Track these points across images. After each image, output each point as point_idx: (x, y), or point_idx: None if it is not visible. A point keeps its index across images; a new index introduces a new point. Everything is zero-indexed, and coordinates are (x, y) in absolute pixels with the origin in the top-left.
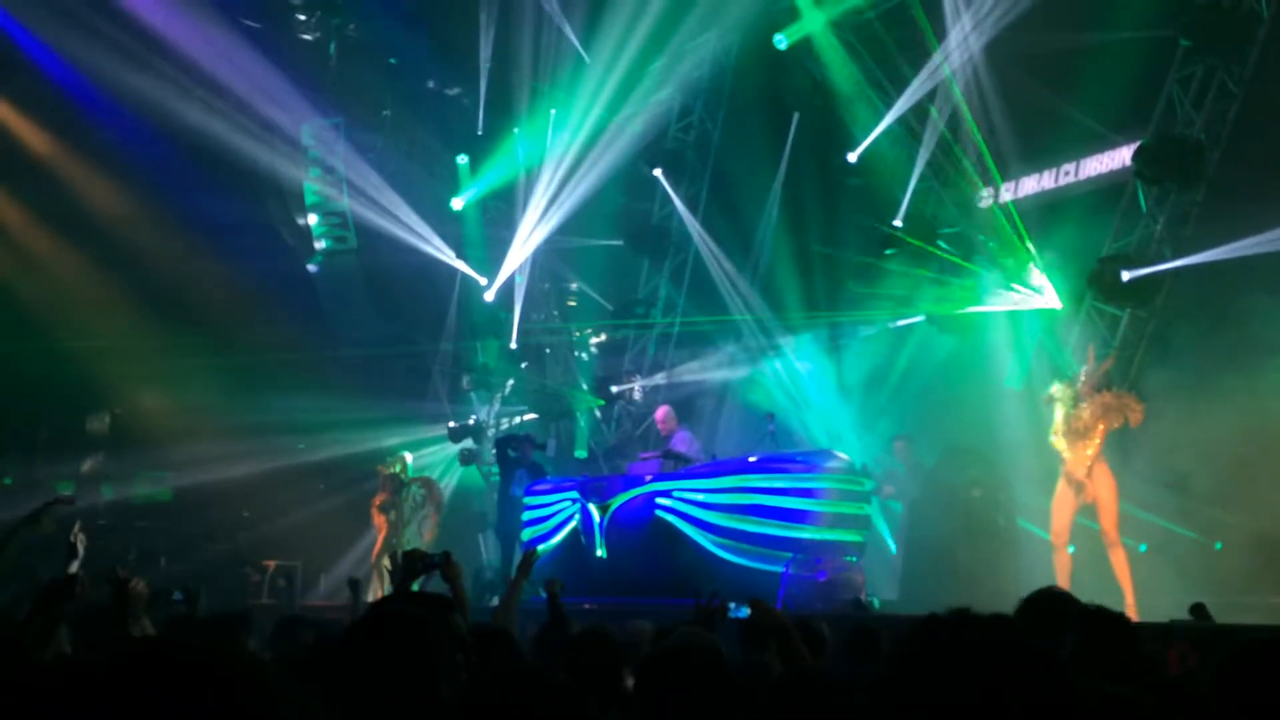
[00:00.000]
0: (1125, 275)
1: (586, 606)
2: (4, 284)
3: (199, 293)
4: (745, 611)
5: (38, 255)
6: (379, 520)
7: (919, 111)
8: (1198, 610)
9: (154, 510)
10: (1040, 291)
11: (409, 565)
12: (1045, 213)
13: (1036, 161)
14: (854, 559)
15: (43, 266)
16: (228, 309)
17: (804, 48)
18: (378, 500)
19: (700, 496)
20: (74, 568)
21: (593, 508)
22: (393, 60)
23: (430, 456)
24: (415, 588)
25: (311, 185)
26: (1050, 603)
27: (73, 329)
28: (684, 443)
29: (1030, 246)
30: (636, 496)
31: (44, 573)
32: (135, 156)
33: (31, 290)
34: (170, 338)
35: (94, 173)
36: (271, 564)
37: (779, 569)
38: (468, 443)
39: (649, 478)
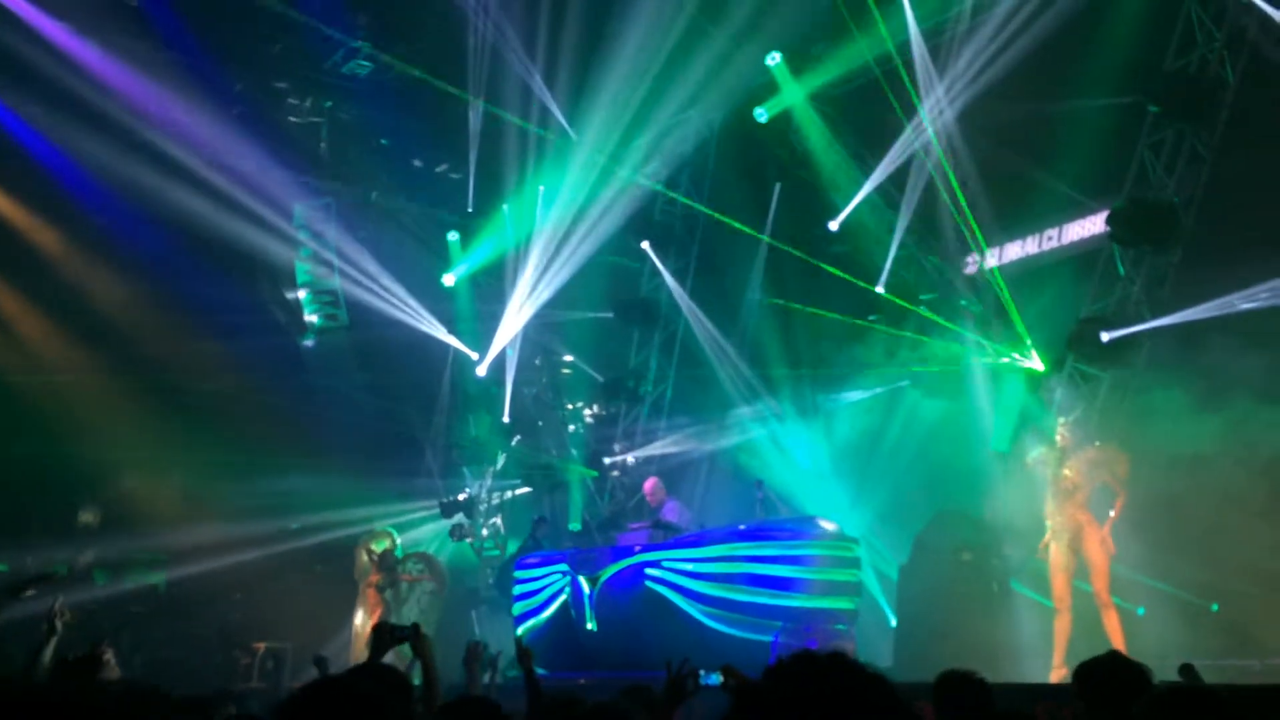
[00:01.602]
0: (1105, 336)
1: (582, 681)
2: None
3: (191, 374)
4: (715, 679)
5: (31, 342)
6: (374, 599)
7: (898, 180)
8: (1186, 671)
9: (147, 595)
10: (1024, 354)
11: (378, 639)
12: (1030, 278)
13: (1019, 228)
14: (844, 626)
15: (36, 354)
16: (221, 389)
17: (784, 120)
18: (374, 579)
19: (689, 566)
20: (48, 653)
21: (583, 580)
22: (383, 140)
23: (419, 533)
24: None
25: (303, 265)
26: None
27: (65, 416)
28: (673, 513)
29: (1014, 310)
30: (626, 567)
31: (15, 650)
32: (128, 242)
33: (23, 378)
34: (162, 420)
35: (88, 259)
36: (261, 646)
37: (769, 638)
38: (460, 517)
39: (638, 548)
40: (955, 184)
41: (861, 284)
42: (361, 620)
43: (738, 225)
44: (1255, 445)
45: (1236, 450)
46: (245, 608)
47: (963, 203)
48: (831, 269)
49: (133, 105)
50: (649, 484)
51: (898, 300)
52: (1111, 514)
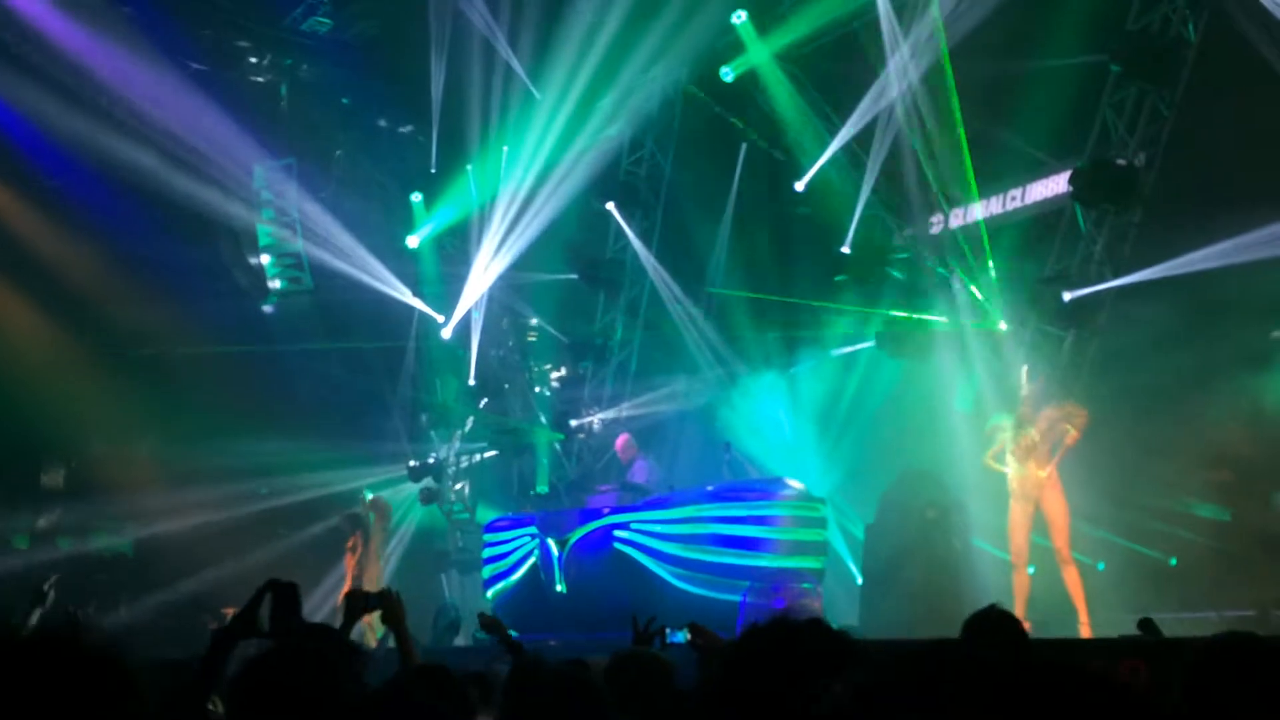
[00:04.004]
0: (1066, 296)
1: (552, 643)
2: None
3: (153, 338)
4: (682, 636)
5: None
6: (349, 562)
7: (864, 140)
8: (1145, 625)
9: (113, 562)
10: (988, 314)
11: (350, 606)
12: (993, 237)
13: (984, 188)
14: (810, 585)
15: None
16: (182, 354)
17: (750, 80)
18: (349, 544)
19: (658, 528)
20: (35, 617)
21: (551, 542)
22: (345, 100)
23: (392, 497)
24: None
25: (265, 227)
26: (993, 623)
27: (24, 380)
28: (643, 472)
29: (978, 270)
30: (595, 530)
31: None
32: (84, 203)
33: None
34: (124, 385)
35: (42, 220)
36: (230, 611)
37: (737, 598)
38: (428, 481)
39: (606, 510)
40: (919, 144)
41: (827, 244)
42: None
43: (704, 185)
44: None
45: (1194, 406)
46: (213, 573)
47: (920, 163)
48: (798, 229)
49: (85, 62)
50: (620, 441)
51: (864, 260)
52: (1060, 451)
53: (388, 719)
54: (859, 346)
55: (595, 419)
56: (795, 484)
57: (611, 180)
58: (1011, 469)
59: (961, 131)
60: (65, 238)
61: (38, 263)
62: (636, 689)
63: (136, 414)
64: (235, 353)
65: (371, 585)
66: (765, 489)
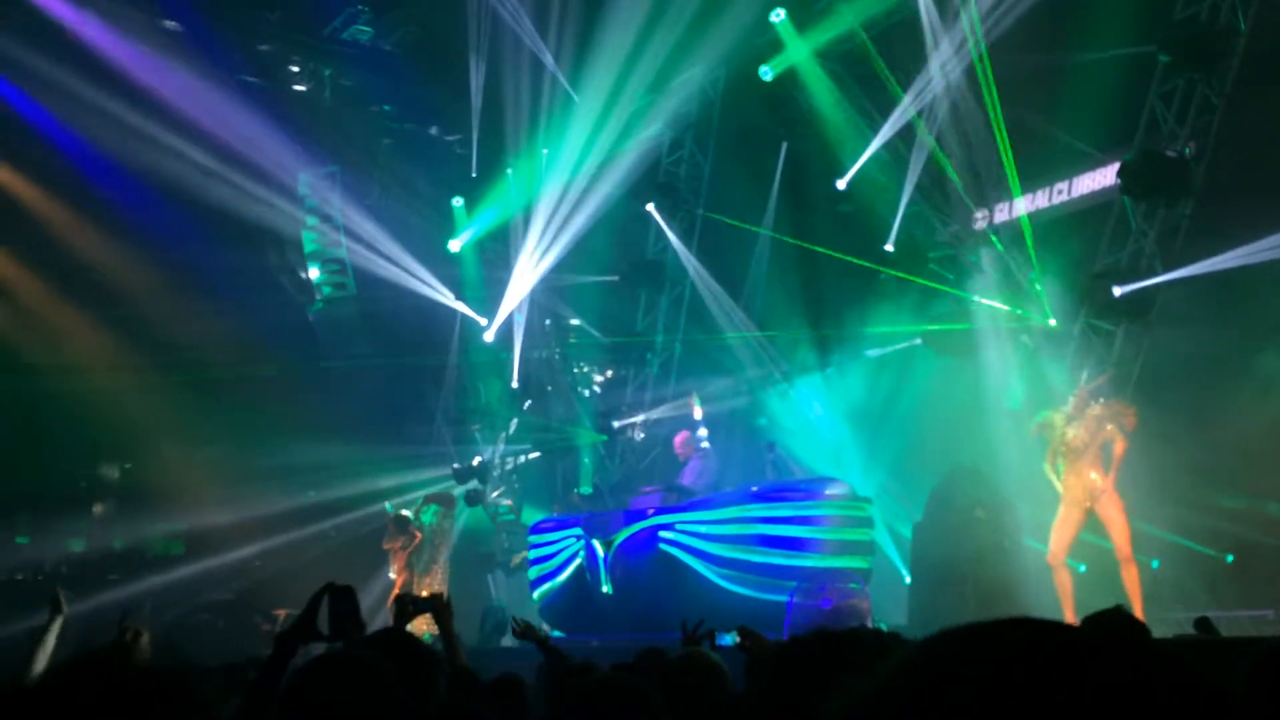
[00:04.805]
0: (1117, 291)
1: (595, 644)
2: (10, 344)
3: (203, 345)
4: (730, 639)
5: (42, 315)
6: (398, 563)
7: (906, 137)
8: (1203, 624)
9: (167, 562)
10: (1036, 310)
11: (400, 609)
12: (1040, 232)
13: (1029, 182)
14: (858, 585)
15: (47, 326)
16: (231, 360)
17: (790, 78)
18: (397, 544)
19: (703, 528)
20: (51, 638)
21: (597, 544)
22: (386, 107)
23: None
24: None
25: (309, 234)
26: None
27: (79, 387)
28: (692, 473)
29: (1025, 266)
30: (640, 531)
31: None
32: (134, 213)
33: (37, 350)
34: (176, 391)
35: (94, 231)
36: (282, 613)
37: (784, 598)
38: (473, 483)
39: (651, 511)
40: (962, 139)
41: (870, 242)
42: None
43: (744, 185)
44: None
45: (1251, 401)
46: (264, 576)
47: (966, 157)
48: (839, 228)
49: (134, 76)
50: (679, 437)
51: (907, 258)
52: (1114, 463)
53: None
54: (903, 345)
55: (638, 419)
56: (841, 484)
57: (651, 181)
58: (1057, 465)
59: (1002, 127)
60: (117, 248)
61: (92, 273)
62: (695, 693)
63: (187, 418)
64: (282, 357)
65: (438, 581)
66: (810, 489)
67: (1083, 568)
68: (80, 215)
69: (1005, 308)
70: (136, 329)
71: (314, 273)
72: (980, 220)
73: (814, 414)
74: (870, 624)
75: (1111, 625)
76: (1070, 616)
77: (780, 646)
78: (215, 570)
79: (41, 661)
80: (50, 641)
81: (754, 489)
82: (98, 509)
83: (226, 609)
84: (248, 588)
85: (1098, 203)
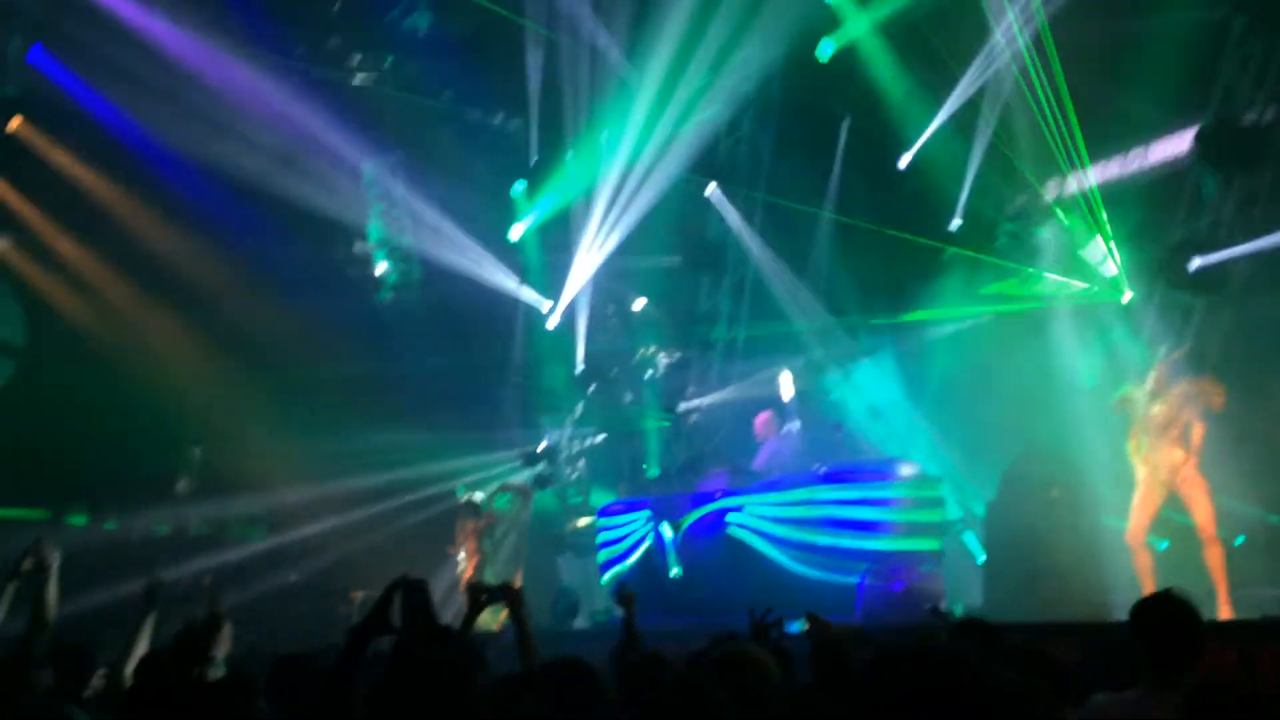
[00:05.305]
0: (1195, 262)
1: (663, 628)
2: (87, 335)
3: (272, 334)
4: (798, 626)
5: (126, 311)
6: (472, 547)
7: (971, 110)
8: None
9: (247, 547)
10: (1110, 283)
11: (473, 598)
12: (1112, 203)
13: (1102, 150)
14: (930, 567)
15: (131, 322)
16: (302, 349)
17: (849, 54)
18: (470, 527)
19: (771, 511)
20: (146, 628)
21: (665, 527)
22: (446, 95)
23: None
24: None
25: (374, 223)
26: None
27: (161, 380)
28: (763, 456)
29: (1099, 237)
30: (707, 514)
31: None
32: (205, 209)
33: (114, 341)
34: (251, 380)
35: (165, 225)
36: (358, 595)
37: (854, 580)
38: (541, 467)
39: (719, 494)
40: (1034, 108)
41: (936, 219)
42: (463, 564)
43: (805, 163)
44: None
45: None
46: (339, 559)
47: (1037, 126)
48: (904, 204)
49: (196, 71)
50: (761, 417)
51: (974, 234)
52: (1194, 442)
53: None
54: (972, 322)
55: (703, 401)
56: (911, 465)
57: (711, 162)
58: (1140, 444)
59: (1069, 97)
60: (192, 244)
61: (165, 267)
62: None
63: (263, 407)
64: (351, 345)
65: (512, 571)
66: (880, 470)
67: (1164, 544)
68: (157, 213)
69: (1077, 282)
70: (212, 322)
71: (380, 262)
72: (1050, 192)
73: (881, 392)
74: (944, 606)
75: (1161, 609)
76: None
77: (871, 665)
78: (293, 552)
79: (142, 646)
80: (147, 628)
81: (822, 471)
82: (180, 495)
83: (306, 591)
84: (325, 570)
85: (1172, 171)
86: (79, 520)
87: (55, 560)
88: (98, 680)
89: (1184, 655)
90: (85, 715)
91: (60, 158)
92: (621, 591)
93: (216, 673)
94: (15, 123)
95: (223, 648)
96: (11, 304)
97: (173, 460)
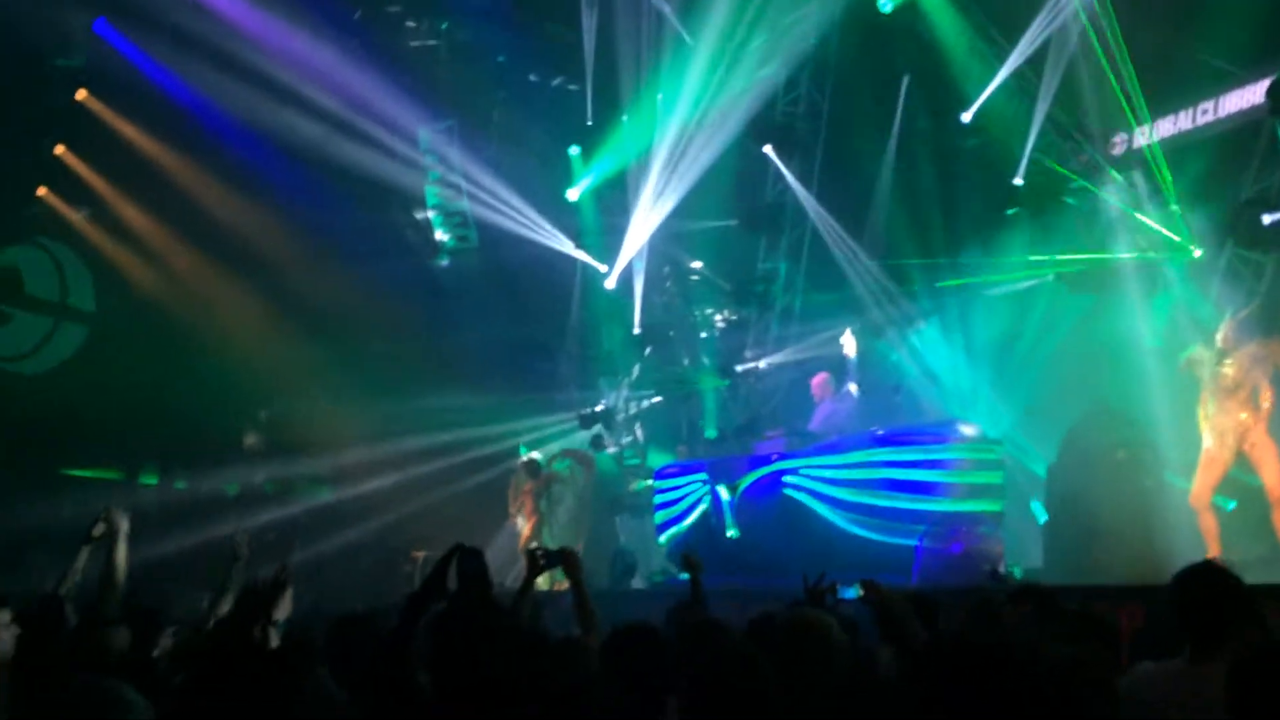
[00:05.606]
0: (1266, 219)
1: (720, 588)
2: (154, 301)
3: (333, 300)
4: (853, 592)
5: (183, 274)
6: (529, 507)
7: (1035, 63)
8: None
9: (313, 505)
10: (1179, 240)
11: (531, 565)
12: (1182, 156)
13: (1169, 103)
14: (989, 530)
15: (190, 285)
16: (364, 313)
17: (909, 8)
18: (527, 487)
19: (828, 473)
20: (234, 581)
21: (721, 489)
22: (500, 58)
23: (568, 445)
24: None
25: (431, 188)
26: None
27: (221, 343)
28: (819, 417)
29: (1168, 192)
30: (764, 476)
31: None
32: (262, 174)
33: (181, 308)
34: (312, 344)
35: (227, 193)
36: (420, 555)
37: (912, 542)
38: (599, 428)
39: (775, 456)
40: (1100, 61)
41: (998, 176)
42: (521, 525)
43: (864, 122)
44: None
45: None
46: (402, 518)
47: (1104, 79)
48: (965, 162)
49: (255, 39)
50: (818, 379)
51: (1038, 191)
52: (1263, 406)
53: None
54: (1034, 281)
55: (761, 363)
56: (970, 426)
57: (768, 122)
58: (1206, 406)
59: (1134, 49)
60: (250, 209)
61: (229, 236)
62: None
63: (326, 370)
64: (411, 310)
65: (578, 536)
66: (938, 432)
67: (1231, 505)
68: (220, 182)
69: (1143, 239)
70: (276, 288)
71: (437, 227)
72: (1117, 146)
73: (941, 353)
74: (1003, 568)
75: (1201, 579)
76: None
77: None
78: (356, 510)
79: (229, 601)
80: (236, 581)
81: (879, 433)
82: (248, 449)
83: (369, 549)
84: (388, 528)
85: (1243, 124)
86: (150, 480)
87: (124, 525)
88: (166, 640)
89: (1225, 626)
90: (139, 696)
91: (127, 129)
92: (690, 557)
93: (275, 635)
94: (82, 93)
95: (283, 610)
96: (84, 273)
97: (239, 422)
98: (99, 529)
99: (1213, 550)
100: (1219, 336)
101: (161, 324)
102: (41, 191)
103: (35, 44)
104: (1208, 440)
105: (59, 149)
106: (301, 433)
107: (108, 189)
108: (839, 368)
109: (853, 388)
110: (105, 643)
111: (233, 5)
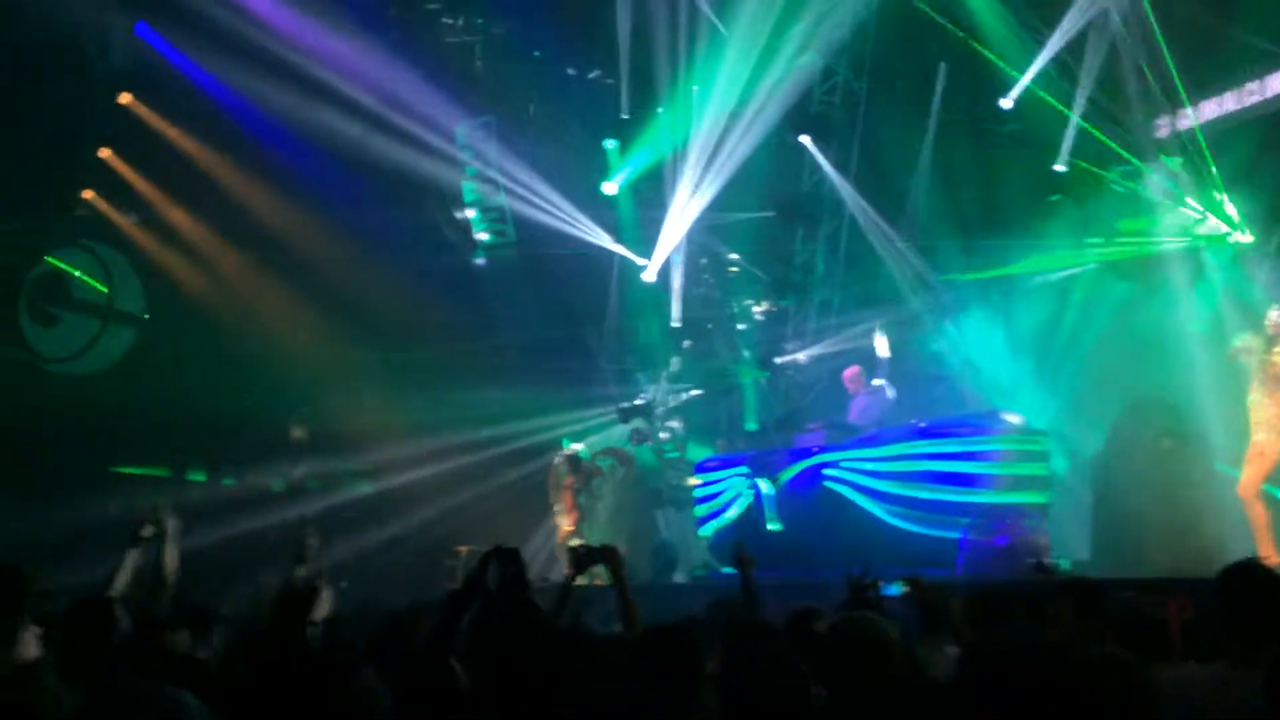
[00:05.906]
0: None
1: (761, 581)
2: (203, 304)
3: (373, 297)
4: (896, 589)
5: (229, 276)
6: (569, 502)
7: (1075, 48)
8: None
9: (356, 501)
10: (1226, 224)
11: (574, 560)
12: (1227, 140)
13: (1214, 85)
14: (1035, 521)
15: (235, 286)
16: (401, 310)
17: None
18: (568, 482)
19: (869, 465)
20: (302, 571)
21: (762, 482)
22: (536, 53)
23: (599, 439)
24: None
25: (469, 184)
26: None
27: (266, 342)
28: (857, 410)
29: (1212, 177)
30: (805, 469)
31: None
32: (301, 172)
33: (227, 309)
34: (352, 342)
35: (267, 192)
36: (463, 549)
37: (955, 535)
38: (638, 422)
39: (816, 449)
40: (1143, 43)
41: (1040, 162)
42: (562, 521)
43: (902, 110)
44: None
45: None
46: (444, 514)
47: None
48: (1006, 149)
49: (294, 39)
50: (849, 372)
51: (1080, 177)
52: None
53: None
54: (1078, 269)
55: (800, 355)
56: (1013, 417)
57: (804, 112)
58: (1256, 395)
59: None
60: (292, 211)
61: (273, 237)
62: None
63: (369, 368)
64: (450, 305)
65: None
66: (980, 424)
67: None
68: (262, 183)
69: (1190, 224)
70: (318, 287)
71: (475, 221)
72: (1161, 130)
73: (983, 343)
74: (1049, 560)
75: (1240, 579)
76: (1266, 551)
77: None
78: (398, 505)
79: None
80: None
81: (921, 425)
82: (294, 442)
83: (412, 543)
84: (431, 522)
85: None
86: (199, 477)
87: (173, 525)
88: (216, 639)
89: (1266, 628)
90: (194, 699)
91: (171, 132)
92: (741, 554)
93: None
94: (125, 97)
95: (321, 611)
96: (132, 277)
97: (285, 420)
98: (147, 530)
99: (1261, 543)
100: (1268, 325)
101: (209, 325)
102: (87, 195)
103: (78, 48)
104: (1257, 433)
105: (104, 152)
106: (345, 428)
107: (152, 191)
108: (870, 360)
109: (877, 382)
110: (167, 645)
111: (270, 5)
